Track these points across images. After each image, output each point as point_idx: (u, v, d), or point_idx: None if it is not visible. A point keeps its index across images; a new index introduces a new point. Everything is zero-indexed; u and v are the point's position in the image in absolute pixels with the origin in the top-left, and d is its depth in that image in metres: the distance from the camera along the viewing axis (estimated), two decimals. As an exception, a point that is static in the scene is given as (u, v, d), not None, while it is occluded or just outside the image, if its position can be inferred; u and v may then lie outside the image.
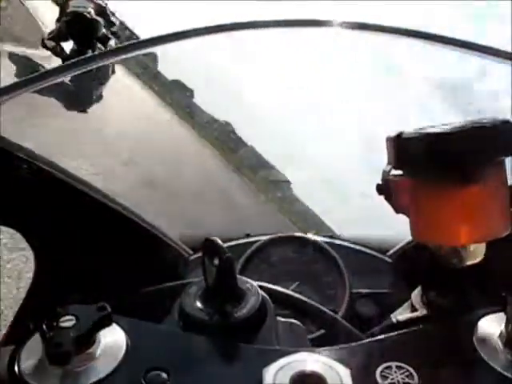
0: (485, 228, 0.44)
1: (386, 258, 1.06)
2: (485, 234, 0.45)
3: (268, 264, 1.05)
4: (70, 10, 4.66)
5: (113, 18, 4.91)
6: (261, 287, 0.53)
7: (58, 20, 4.85)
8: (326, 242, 1.07)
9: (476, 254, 0.47)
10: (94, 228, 0.80)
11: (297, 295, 0.66)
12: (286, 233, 1.11)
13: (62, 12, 4.83)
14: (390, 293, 1.00)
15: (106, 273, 0.78)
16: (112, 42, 4.64)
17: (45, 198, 0.71)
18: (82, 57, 0.69)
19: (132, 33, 5.35)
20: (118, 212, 0.83)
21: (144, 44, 0.80)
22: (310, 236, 1.10)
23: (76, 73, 0.74)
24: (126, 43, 0.78)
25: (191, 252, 1.06)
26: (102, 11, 4.81)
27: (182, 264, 1.02)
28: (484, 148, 0.42)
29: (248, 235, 1.13)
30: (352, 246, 1.10)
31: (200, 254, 1.05)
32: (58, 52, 4.52)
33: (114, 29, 4.89)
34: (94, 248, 0.79)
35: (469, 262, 0.47)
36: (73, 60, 0.74)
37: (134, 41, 0.83)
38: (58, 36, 4.59)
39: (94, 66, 0.72)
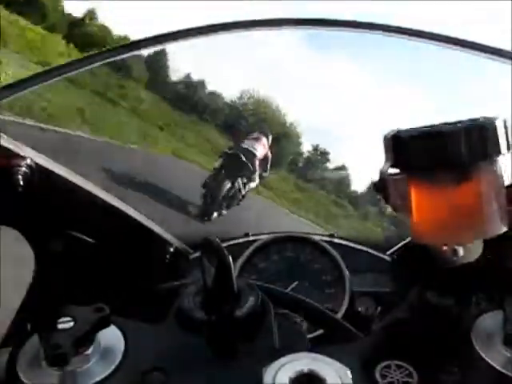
0: (480, 226, 0.44)
1: (386, 257, 1.06)
2: (480, 232, 0.44)
3: (268, 263, 1.05)
4: (242, 145, 5.06)
5: (265, 174, 5.34)
6: (260, 287, 0.53)
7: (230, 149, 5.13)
8: (326, 242, 1.07)
9: (473, 252, 0.47)
10: (94, 227, 0.80)
11: (295, 295, 0.66)
12: (285, 232, 1.11)
13: (236, 142, 5.27)
14: (389, 292, 1.00)
15: (106, 272, 0.78)
16: (243, 191, 4.97)
17: (45, 197, 0.71)
18: (81, 57, 0.69)
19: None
20: (118, 211, 0.83)
21: (144, 43, 0.79)
22: (310, 235, 1.10)
23: (76, 72, 0.74)
24: (130, 42, 0.78)
25: (191, 251, 1.06)
26: (265, 158, 5.23)
27: (182, 262, 1.02)
28: (479, 147, 0.42)
29: (247, 235, 1.13)
30: (352, 245, 1.10)
31: (199, 253, 1.05)
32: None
33: (265, 174, 5.33)
34: (94, 247, 0.79)
35: (466, 261, 0.47)
36: (72, 59, 0.74)
37: (137, 40, 0.83)
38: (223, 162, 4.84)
39: (94, 65, 0.72)
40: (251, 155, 4.95)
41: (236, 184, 4.82)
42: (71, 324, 0.41)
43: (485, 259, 0.47)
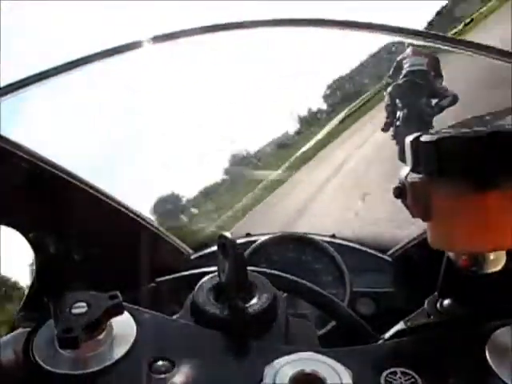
0: (501, 237, 0.43)
1: (387, 258, 1.06)
2: (501, 242, 0.43)
3: (268, 263, 1.05)
4: (406, 69, 3.99)
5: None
6: (278, 276, 0.54)
7: (391, 77, 4.23)
8: (327, 242, 1.07)
9: (496, 262, 0.46)
10: (93, 226, 0.80)
11: (317, 288, 0.66)
12: (286, 232, 1.11)
13: (397, 70, 4.16)
14: (390, 292, 1.00)
15: (106, 272, 0.78)
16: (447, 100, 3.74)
17: (45, 197, 0.71)
18: (81, 56, 0.68)
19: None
20: (116, 209, 0.83)
21: (141, 43, 0.79)
22: (311, 235, 1.09)
23: (76, 71, 0.73)
24: (126, 43, 0.78)
25: (191, 251, 1.06)
26: (435, 63, 4.06)
27: (183, 263, 1.02)
28: (505, 154, 0.40)
29: (248, 234, 1.13)
30: (352, 245, 1.10)
31: (200, 253, 1.06)
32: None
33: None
34: (93, 246, 0.79)
35: (488, 271, 0.46)
36: (73, 59, 0.74)
37: (134, 40, 0.83)
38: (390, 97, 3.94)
39: (94, 65, 0.72)
40: (421, 73, 3.88)
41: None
42: (85, 309, 0.42)
43: (507, 271, 0.45)
